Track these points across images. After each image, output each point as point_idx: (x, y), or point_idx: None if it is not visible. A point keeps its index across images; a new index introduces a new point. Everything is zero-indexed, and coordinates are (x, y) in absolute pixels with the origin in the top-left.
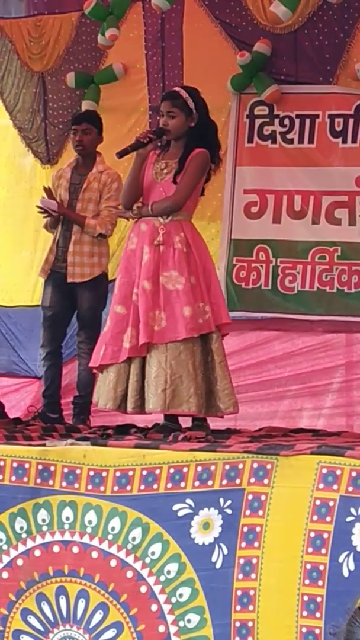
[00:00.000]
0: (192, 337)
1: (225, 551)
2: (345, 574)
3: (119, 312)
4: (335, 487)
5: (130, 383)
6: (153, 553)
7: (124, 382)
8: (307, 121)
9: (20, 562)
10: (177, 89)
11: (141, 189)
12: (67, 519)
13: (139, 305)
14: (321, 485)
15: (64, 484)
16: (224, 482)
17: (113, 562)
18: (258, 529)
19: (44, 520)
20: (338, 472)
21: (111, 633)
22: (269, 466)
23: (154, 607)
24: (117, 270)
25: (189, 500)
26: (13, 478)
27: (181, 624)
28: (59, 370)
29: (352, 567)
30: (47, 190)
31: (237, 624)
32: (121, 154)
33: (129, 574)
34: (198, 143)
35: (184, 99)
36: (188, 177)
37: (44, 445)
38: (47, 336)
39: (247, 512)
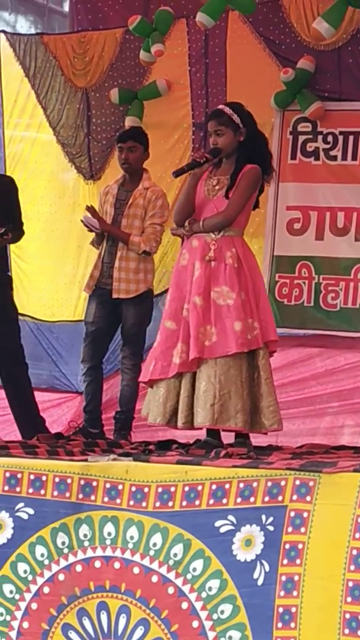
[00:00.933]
0: (242, 352)
1: (267, 568)
2: None
3: (169, 327)
4: None
5: (181, 398)
6: (194, 569)
7: (174, 397)
8: (351, 138)
9: (61, 577)
10: (220, 106)
11: (193, 207)
12: (109, 534)
13: (189, 320)
14: None
15: (105, 499)
16: (266, 498)
17: (154, 578)
18: (300, 546)
19: (85, 536)
20: None
21: None
22: (311, 483)
23: (195, 624)
24: (168, 285)
25: (230, 517)
26: (55, 493)
27: None
28: (100, 386)
29: None
30: (90, 209)
31: None
32: (177, 174)
33: (170, 590)
34: (249, 157)
35: (229, 115)
36: (239, 192)
37: (86, 460)
38: (89, 351)
39: (289, 529)
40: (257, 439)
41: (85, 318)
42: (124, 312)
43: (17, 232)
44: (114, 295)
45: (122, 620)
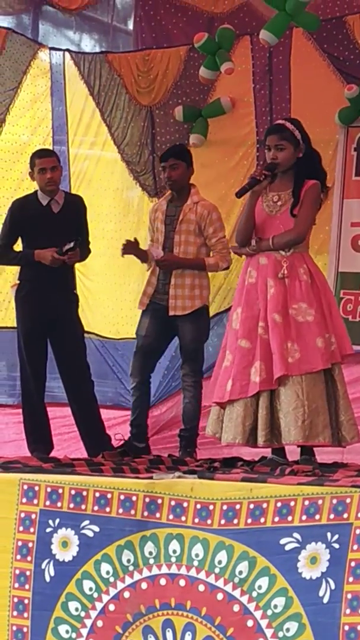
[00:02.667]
0: (326, 368)
1: (333, 586)
2: None
3: (244, 347)
4: None
5: (260, 416)
6: (260, 587)
7: (252, 415)
8: None
9: (127, 594)
10: (281, 121)
11: (254, 225)
12: (174, 552)
13: (271, 337)
14: None
15: (170, 516)
16: (332, 516)
17: (219, 596)
18: None
19: (150, 553)
20: None
21: None
22: None
23: None
24: (233, 304)
25: (296, 534)
26: (120, 511)
27: None
28: (148, 400)
29: None
30: (132, 242)
31: None
32: (240, 193)
33: (236, 608)
34: (307, 173)
35: (291, 130)
36: (307, 209)
37: (151, 478)
38: (137, 365)
39: (355, 547)
40: (322, 456)
41: (137, 331)
42: (181, 329)
43: (84, 251)
44: (171, 313)
45: (188, 638)
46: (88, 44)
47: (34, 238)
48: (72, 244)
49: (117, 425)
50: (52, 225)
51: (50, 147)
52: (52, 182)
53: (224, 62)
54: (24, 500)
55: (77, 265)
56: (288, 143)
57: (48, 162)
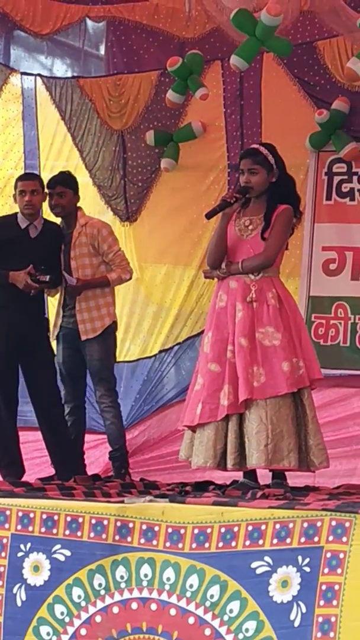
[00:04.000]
0: (291, 391)
1: (304, 609)
2: None
3: (214, 371)
4: None
5: (229, 440)
6: (231, 610)
7: (222, 439)
8: None
9: (98, 618)
10: (255, 146)
11: (226, 248)
12: (146, 575)
13: (236, 362)
14: None
15: (142, 540)
16: (302, 539)
17: (191, 620)
18: (337, 587)
19: (122, 577)
20: None
21: None
22: (347, 524)
23: None
24: (205, 328)
25: (267, 558)
26: (91, 535)
27: None
28: (83, 425)
29: None
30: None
31: None
32: (210, 215)
33: (207, 632)
34: (280, 198)
35: (265, 155)
36: (277, 233)
37: (122, 502)
38: (69, 391)
39: (326, 570)
40: (293, 480)
41: (56, 359)
42: (88, 351)
43: (57, 282)
44: (83, 338)
45: None
46: (60, 68)
47: (6, 260)
48: (47, 278)
49: (89, 449)
50: (28, 249)
51: (22, 172)
52: (29, 206)
53: (198, 87)
54: None
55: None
56: (261, 167)
57: (28, 185)
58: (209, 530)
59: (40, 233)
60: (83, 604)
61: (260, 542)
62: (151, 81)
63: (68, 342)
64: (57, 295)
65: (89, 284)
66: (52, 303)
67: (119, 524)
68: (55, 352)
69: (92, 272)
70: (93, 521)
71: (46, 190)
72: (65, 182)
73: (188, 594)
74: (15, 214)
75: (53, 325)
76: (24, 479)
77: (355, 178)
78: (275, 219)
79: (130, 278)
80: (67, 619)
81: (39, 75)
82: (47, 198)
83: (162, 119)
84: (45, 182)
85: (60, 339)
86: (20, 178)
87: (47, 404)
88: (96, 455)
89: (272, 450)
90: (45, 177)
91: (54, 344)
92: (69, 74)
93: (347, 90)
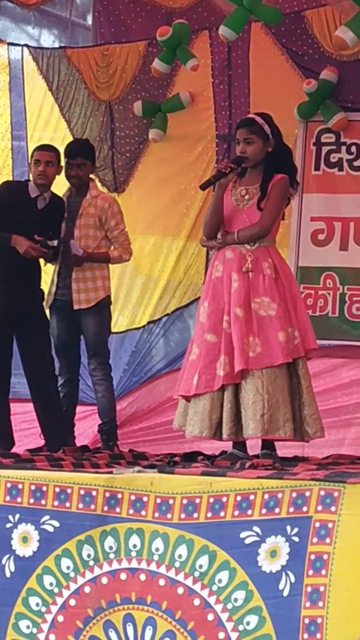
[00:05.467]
0: (287, 362)
1: (293, 579)
2: None
3: (210, 341)
4: None
5: (224, 410)
6: (220, 581)
7: (218, 409)
8: None
9: (87, 589)
10: (251, 115)
11: (222, 218)
12: (134, 546)
13: (232, 332)
14: None
15: (130, 511)
16: (291, 509)
17: (180, 590)
18: (325, 556)
19: (111, 548)
20: None
21: None
22: (336, 494)
23: (221, 635)
24: (194, 297)
25: (256, 528)
26: (80, 505)
27: None
28: (76, 397)
29: None
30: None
31: None
32: (205, 186)
33: (196, 602)
34: (276, 168)
35: (260, 125)
36: (273, 202)
37: (111, 472)
38: (63, 363)
39: (314, 540)
40: (282, 450)
41: (50, 331)
42: (84, 323)
43: (57, 254)
44: (75, 307)
45: (149, 632)
46: (47, 39)
47: (9, 225)
48: (55, 243)
49: (78, 420)
50: (32, 219)
51: (9, 143)
52: (42, 176)
53: (188, 58)
54: None
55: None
56: (257, 137)
57: (44, 156)
58: (197, 501)
59: (47, 205)
60: (72, 574)
61: (249, 512)
62: (139, 51)
63: (62, 314)
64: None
65: (92, 257)
66: (46, 272)
67: (107, 494)
68: (50, 323)
69: (94, 244)
70: (82, 492)
71: (65, 158)
72: (85, 153)
73: (177, 564)
74: (27, 181)
75: (47, 293)
76: (13, 450)
77: (343, 148)
78: (271, 188)
79: (129, 259)
80: (56, 590)
81: (26, 45)
82: (65, 166)
83: (150, 89)
84: (64, 150)
85: (54, 311)
86: (38, 148)
87: (41, 375)
88: (85, 427)
89: (268, 421)
90: (32, 148)
91: (48, 312)
92: (56, 45)
93: (335, 60)
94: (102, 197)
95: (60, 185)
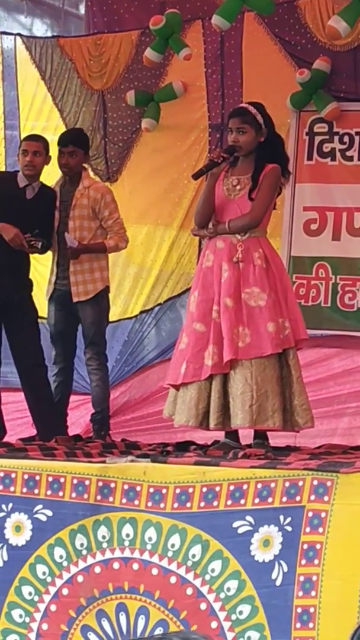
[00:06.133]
0: (277, 352)
1: (286, 568)
2: None
3: (199, 330)
4: None
5: (212, 400)
6: (213, 570)
7: (205, 399)
8: None
9: (80, 578)
10: (244, 104)
11: (214, 207)
12: (127, 535)
13: (221, 322)
14: None
15: (124, 500)
16: (284, 499)
17: (173, 579)
18: (318, 546)
19: (104, 537)
20: None
21: None
22: (329, 483)
23: (214, 624)
24: (186, 287)
25: (249, 518)
26: (73, 495)
27: None
28: (70, 387)
29: None
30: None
31: None
32: (197, 175)
33: (189, 591)
34: (268, 158)
35: (253, 114)
36: (264, 193)
37: (104, 462)
38: (59, 352)
39: (307, 530)
40: (275, 440)
41: (47, 320)
42: (82, 313)
43: (47, 246)
44: (75, 299)
45: (141, 622)
46: (40, 28)
47: None
48: (39, 245)
49: (70, 410)
50: (21, 209)
51: (1, 132)
52: (30, 167)
53: (181, 47)
54: None
55: None
56: (249, 127)
57: (31, 146)
58: (190, 490)
59: (36, 195)
60: (65, 563)
61: (242, 501)
62: (132, 41)
63: (60, 304)
64: (50, 254)
65: (87, 248)
66: (40, 261)
67: (100, 484)
68: (47, 313)
69: (89, 235)
70: (75, 481)
71: (58, 146)
72: (78, 141)
73: (170, 554)
74: (17, 172)
75: (47, 282)
76: (5, 439)
77: (336, 138)
78: (262, 178)
79: (126, 247)
80: (49, 579)
81: (19, 35)
82: (57, 155)
83: (143, 78)
84: (57, 139)
85: (53, 300)
86: (25, 138)
87: (30, 365)
88: (77, 416)
89: (257, 411)
90: (25, 136)
91: (46, 303)
92: (49, 34)
93: (328, 49)
94: (94, 187)
95: (53, 176)
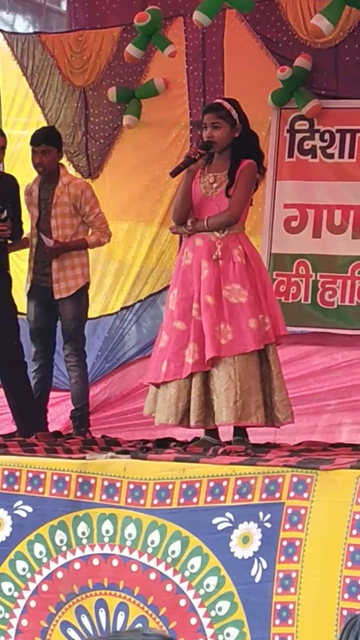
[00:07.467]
0: (258, 348)
1: (265, 565)
2: None
3: (179, 328)
4: None
5: (192, 398)
6: (192, 566)
7: (185, 397)
8: (348, 136)
9: (60, 574)
10: (219, 100)
11: (192, 205)
12: (107, 532)
13: (203, 320)
14: None
15: (104, 497)
16: (264, 495)
17: (152, 575)
18: (297, 543)
19: (83, 533)
20: None
21: None
22: (308, 480)
23: (193, 621)
24: (167, 284)
25: (228, 514)
26: (53, 491)
27: (220, 637)
28: (50, 383)
29: None
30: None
31: (276, 638)
32: (175, 173)
33: (169, 587)
34: (244, 154)
35: (228, 109)
36: (241, 189)
37: (84, 458)
38: (38, 349)
39: (287, 526)
40: (255, 437)
41: (27, 317)
42: (62, 309)
43: (16, 229)
44: (57, 296)
45: (121, 618)
46: (21, 24)
47: None
48: (4, 214)
49: (50, 406)
50: None
51: None
52: None
53: (166, 44)
54: None
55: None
56: (224, 122)
57: None
58: (170, 487)
59: None
60: (45, 560)
61: (222, 498)
62: (113, 37)
63: (40, 300)
64: (28, 251)
65: (68, 246)
66: (20, 257)
67: (80, 480)
68: (27, 309)
69: (71, 233)
70: (55, 477)
71: (30, 145)
72: (50, 140)
73: (149, 550)
74: None
75: (25, 281)
76: None
77: (317, 135)
78: (238, 175)
79: (109, 241)
80: (28, 575)
81: (1, 30)
82: (31, 155)
83: (124, 75)
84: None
85: (32, 296)
86: None
87: (10, 361)
88: (57, 413)
89: (241, 407)
90: (7, 133)
91: (25, 300)
92: (31, 30)
93: (309, 47)
94: (74, 183)
95: (33, 173)
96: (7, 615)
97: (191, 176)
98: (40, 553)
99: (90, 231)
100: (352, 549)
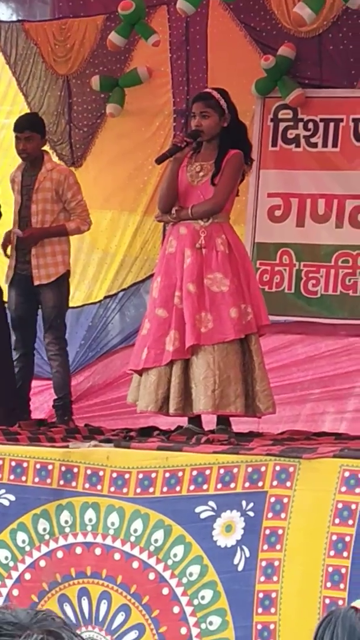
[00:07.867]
0: (239, 338)
1: (247, 554)
2: None
3: (161, 316)
4: (357, 490)
5: (172, 385)
6: (175, 555)
7: (165, 384)
8: (331, 125)
9: (42, 563)
10: (208, 89)
11: (177, 193)
12: (90, 520)
13: (184, 307)
14: (343, 489)
15: (86, 485)
16: (247, 484)
17: (135, 564)
18: (280, 531)
19: (66, 522)
20: None
21: (133, 635)
22: (291, 469)
23: (176, 609)
24: (151, 272)
25: (211, 503)
26: (36, 479)
27: (203, 626)
28: (31, 372)
29: None
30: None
31: (259, 627)
32: (160, 160)
33: (151, 576)
34: (231, 144)
35: (217, 99)
36: (226, 178)
37: (67, 446)
38: (19, 338)
39: (269, 515)
40: (238, 426)
41: (8, 305)
42: (43, 297)
43: None
44: (36, 283)
45: (103, 607)
46: (5, 12)
47: None
48: None
49: (34, 395)
50: None
51: None
52: None
53: (149, 33)
54: None
55: None
56: (213, 111)
57: None
58: (153, 475)
59: None
60: (27, 548)
61: (205, 486)
62: (97, 26)
63: (21, 289)
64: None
65: (47, 232)
66: None
67: (63, 468)
68: (7, 298)
69: (52, 219)
70: (38, 466)
71: (14, 131)
72: (34, 126)
73: (132, 539)
74: None
75: (7, 267)
76: None
77: (300, 124)
78: (225, 164)
79: (89, 229)
80: (11, 564)
81: None
82: (15, 141)
83: (108, 63)
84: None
85: (14, 284)
86: None
87: None
88: (40, 401)
89: (219, 396)
90: None
91: (6, 287)
92: (14, 18)
93: (293, 36)
94: (57, 169)
95: (17, 160)
96: None
97: (177, 164)
98: (23, 542)
99: (71, 218)
100: (334, 537)
